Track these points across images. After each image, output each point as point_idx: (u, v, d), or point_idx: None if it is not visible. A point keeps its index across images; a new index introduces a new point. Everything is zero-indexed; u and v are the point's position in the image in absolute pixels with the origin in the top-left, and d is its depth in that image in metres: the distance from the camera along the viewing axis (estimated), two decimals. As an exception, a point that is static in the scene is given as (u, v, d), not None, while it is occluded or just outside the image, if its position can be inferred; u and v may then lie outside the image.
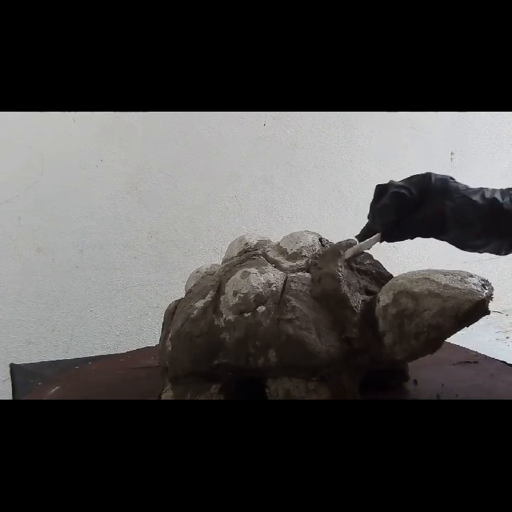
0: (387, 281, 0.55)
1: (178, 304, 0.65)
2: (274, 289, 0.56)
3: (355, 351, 0.54)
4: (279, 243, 0.65)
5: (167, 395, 0.60)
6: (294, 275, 0.58)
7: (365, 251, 0.61)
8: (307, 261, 0.60)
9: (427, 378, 0.65)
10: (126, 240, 1.16)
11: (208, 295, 0.59)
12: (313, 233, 0.64)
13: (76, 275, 1.12)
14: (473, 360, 0.73)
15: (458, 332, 0.51)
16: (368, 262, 0.62)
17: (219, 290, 0.59)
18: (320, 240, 0.64)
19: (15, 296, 1.07)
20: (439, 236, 0.57)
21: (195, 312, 0.58)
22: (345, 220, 1.34)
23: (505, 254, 0.59)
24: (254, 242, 0.66)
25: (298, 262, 0.60)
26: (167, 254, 1.20)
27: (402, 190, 0.56)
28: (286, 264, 0.61)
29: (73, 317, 1.12)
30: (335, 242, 0.64)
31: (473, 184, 0.57)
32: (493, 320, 1.30)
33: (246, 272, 0.57)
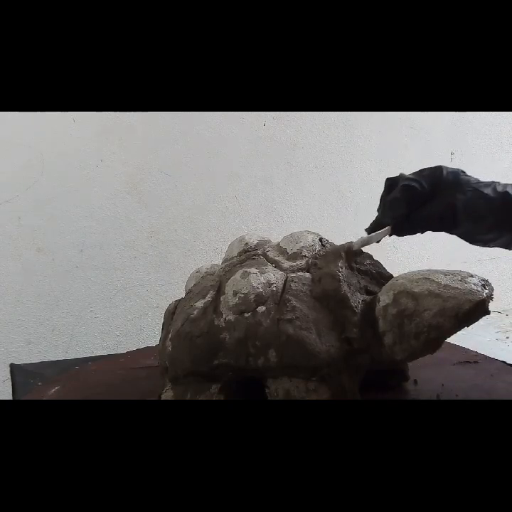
0: (387, 281, 0.55)
1: (178, 303, 0.65)
2: (274, 289, 0.56)
3: (355, 351, 0.54)
4: (279, 243, 0.65)
5: (167, 395, 0.60)
6: (294, 275, 0.58)
7: (366, 247, 0.60)
8: (307, 261, 0.60)
9: (427, 378, 0.65)
10: (126, 240, 1.16)
11: (208, 295, 0.59)
12: (313, 233, 0.64)
13: (76, 275, 1.12)
14: (473, 360, 0.73)
15: (458, 332, 0.51)
16: (368, 262, 0.62)
17: (219, 290, 0.59)
18: (320, 240, 0.63)
19: (15, 296, 1.07)
20: (450, 230, 0.57)
21: (195, 312, 0.58)
22: (345, 220, 1.34)
23: None
24: (254, 242, 0.66)
25: (298, 262, 0.60)
26: (167, 254, 1.20)
27: (413, 183, 0.56)
28: (287, 264, 0.61)
29: (73, 317, 1.12)
30: (335, 242, 0.64)
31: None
32: (493, 320, 1.30)
33: (246, 271, 0.57)
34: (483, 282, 0.52)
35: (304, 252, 0.61)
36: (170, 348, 0.59)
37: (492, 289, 0.52)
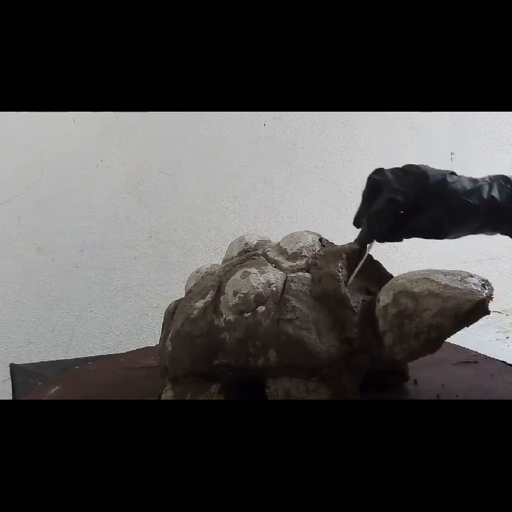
0: (387, 281, 0.55)
1: (178, 303, 0.65)
2: (274, 289, 0.56)
3: (355, 351, 0.54)
4: (279, 243, 0.65)
5: (167, 395, 0.60)
6: (294, 275, 0.58)
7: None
8: (307, 261, 0.60)
9: (427, 378, 0.65)
10: (126, 240, 1.16)
11: (208, 295, 0.59)
12: (313, 233, 0.64)
13: (76, 275, 1.12)
14: (473, 360, 0.73)
15: (458, 332, 0.51)
16: (368, 262, 0.62)
17: (219, 290, 0.59)
18: (320, 240, 0.64)
19: (15, 296, 1.07)
20: (437, 238, 0.57)
21: (195, 312, 0.58)
22: (345, 220, 1.33)
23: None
24: (254, 242, 0.66)
25: (298, 262, 0.60)
26: (167, 254, 1.20)
27: (398, 197, 0.55)
28: (286, 264, 0.61)
29: (73, 317, 1.12)
30: (335, 242, 0.64)
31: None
32: (493, 320, 1.30)
33: (246, 271, 0.57)
34: (483, 282, 0.52)
35: (304, 252, 0.61)
36: (170, 348, 0.59)
37: (492, 289, 0.52)
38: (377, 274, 0.61)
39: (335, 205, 1.34)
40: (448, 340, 0.52)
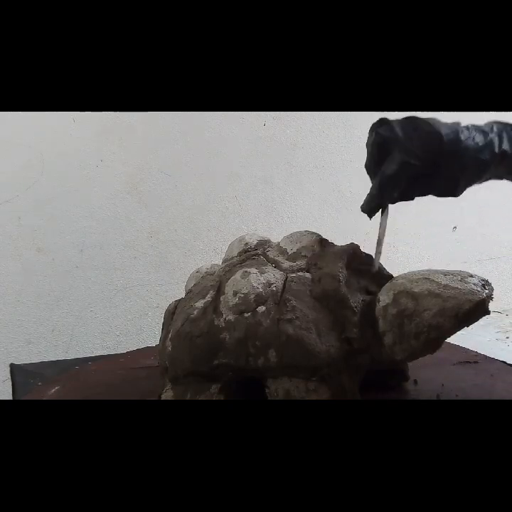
0: (387, 281, 0.55)
1: (178, 303, 0.65)
2: (274, 289, 0.56)
3: (355, 351, 0.54)
4: (279, 243, 0.65)
5: (167, 395, 0.60)
6: (294, 275, 0.58)
7: (366, 247, 0.60)
8: (307, 261, 0.60)
9: (427, 378, 0.65)
10: (126, 240, 1.16)
11: (208, 295, 0.59)
12: (313, 233, 0.64)
13: (76, 275, 1.12)
14: (473, 360, 0.73)
15: (458, 332, 0.51)
16: (368, 262, 0.62)
17: (219, 290, 0.59)
18: (320, 240, 0.63)
19: (15, 296, 1.08)
20: (449, 196, 0.56)
21: (195, 312, 0.58)
22: (345, 220, 1.34)
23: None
24: (254, 242, 0.66)
25: (298, 262, 0.60)
26: (167, 254, 1.20)
27: (413, 161, 0.52)
28: (286, 264, 0.61)
29: (73, 317, 1.12)
30: (335, 242, 0.64)
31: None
32: (493, 320, 1.30)
33: (246, 271, 0.57)
34: (483, 282, 0.52)
35: (304, 252, 0.61)
36: (170, 348, 0.59)
37: (492, 289, 0.52)
38: (377, 274, 0.61)
39: (335, 205, 1.34)
40: (448, 340, 0.52)
